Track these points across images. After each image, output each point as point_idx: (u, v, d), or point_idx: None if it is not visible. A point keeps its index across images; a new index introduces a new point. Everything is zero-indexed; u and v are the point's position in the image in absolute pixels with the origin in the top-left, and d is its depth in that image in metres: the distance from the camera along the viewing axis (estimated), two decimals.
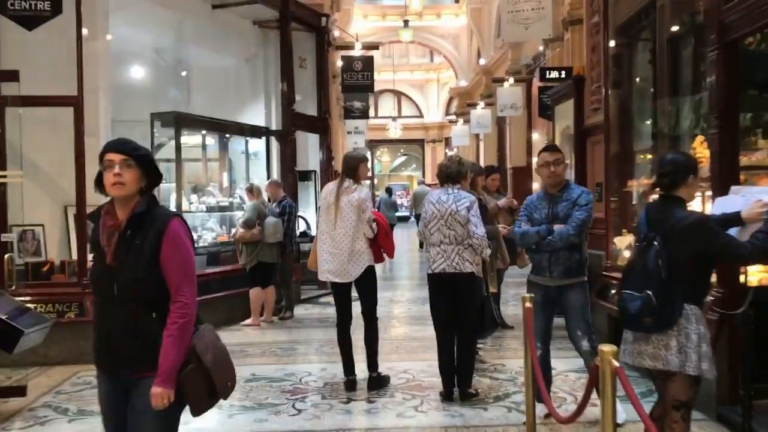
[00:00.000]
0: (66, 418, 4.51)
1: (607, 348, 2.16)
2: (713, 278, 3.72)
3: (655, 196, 5.75)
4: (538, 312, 4.20)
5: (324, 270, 4.98)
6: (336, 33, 12.28)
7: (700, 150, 5.19)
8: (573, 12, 9.06)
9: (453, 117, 24.62)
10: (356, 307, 5.12)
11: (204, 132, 9.08)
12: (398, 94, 31.20)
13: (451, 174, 4.73)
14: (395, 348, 6.42)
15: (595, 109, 7.37)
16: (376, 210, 5.49)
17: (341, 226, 4.88)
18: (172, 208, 8.18)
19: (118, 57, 8.47)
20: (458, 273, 4.57)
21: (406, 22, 20.46)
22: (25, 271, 6.12)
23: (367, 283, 4.99)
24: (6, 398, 4.76)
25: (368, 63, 11.77)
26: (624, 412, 4.00)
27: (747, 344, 3.69)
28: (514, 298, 8.24)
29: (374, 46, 12.50)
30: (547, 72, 10.24)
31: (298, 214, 9.08)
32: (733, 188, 3.53)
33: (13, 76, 5.41)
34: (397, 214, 19.01)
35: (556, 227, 4.07)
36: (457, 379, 4.74)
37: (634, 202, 6.50)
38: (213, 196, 8.89)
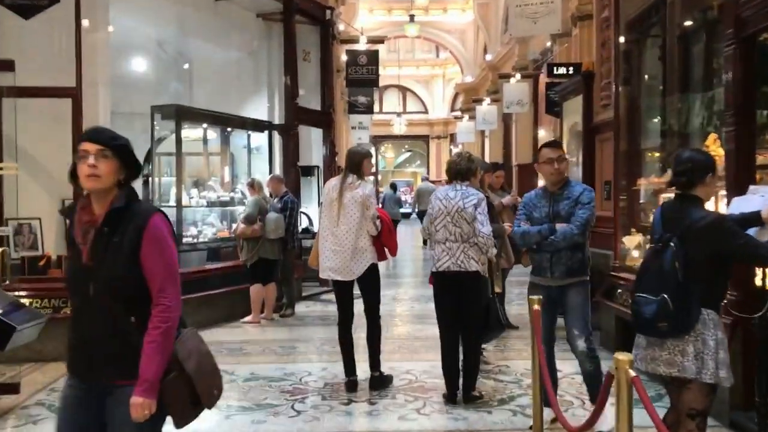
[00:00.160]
0: None
1: (622, 356, 2.03)
2: None
3: (666, 195, 5.67)
4: (541, 314, 4.08)
5: (325, 267, 4.86)
6: (341, 27, 12.15)
7: (713, 148, 5.04)
8: (582, 7, 8.90)
9: (458, 113, 24.46)
10: (358, 305, 5.01)
11: (205, 125, 8.94)
12: (403, 90, 31.04)
13: (460, 170, 4.61)
14: (397, 347, 6.30)
15: (604, 106, 7.22)
16: (380, 207, 5.36)
17: (344, 222, 4.75)
18: (172, 202, 8.08)
19: (119, 49, 8.35)
20: (463, 271, 4.45)
21: (411, 17, 20.31)
22: (21, 266, 6.01)
23: (370, 281, 4.87)
24: None
25: (373, 57, 11.64)
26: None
27: (764, 349, 3.54)
28: (518, 298, 8.11)
29: (379, 40, 12.35)
30: (555, 68, 10.11)
31: (301, 210, 8.96)
32: (752, 188, 3.40)
33: (8, 66, 5.29)
34: (401, 210, 18.87)
35: (559, 226, 3.92)
36: (461, 380, 4.62)
37: (641, 201, 6.35)
38: (214, 190, 8.76)
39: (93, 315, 2.19)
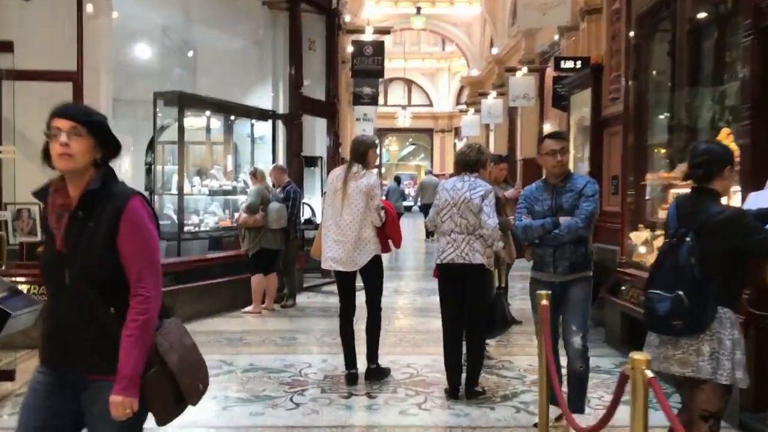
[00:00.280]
0: None
1: (639, 356, 1.92)
2: None
3: (675, 191, 5.56)
4: None
5: (327, 258, 4.76)
6: (347, 17, 12.02)
7: (726, 143, 4.93)
8: (590, 1, 8.77)
9: (463, 106, 24.31)
10: (360, 297, 4.92)
11: (208, 113, 8.84)
12: (408, 83, 30.88)
13: (469, 162, 4.51)
14: (399, 341, 6.21)
15: (613, 99, 7.10)
16: (384, 198, 5.25)
17: (348, 212, 4.66)
18: (173, 191, 7.99)
19: (123, 35, 8.25)
20: (467, 264, 4.35)
21: (418, 9, 20.18)
22: (20, 251, 5.92)
23: (373, 273, 4.79)
24: None
25: (379, 48, 11.53)
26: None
27: None
28: (521, 293, 8.00)
29: (386, 31, 12.23)
30: (562, 61, 9.99)
31: (303, 200, 8.86)
32: None
33: (7, 47, 5.18)
34: (404, 203, 18.79)
35: (563, 220, 3.79)
36: (464, 375, 4.54)
37: (647, 197, 6.25)
38: (216, 179, 8.67)
39: (69, 304, 2.05)
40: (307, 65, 9.31)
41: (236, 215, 7.91)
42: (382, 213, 4.70)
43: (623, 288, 5.86)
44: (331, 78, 10.16)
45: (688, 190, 4.56)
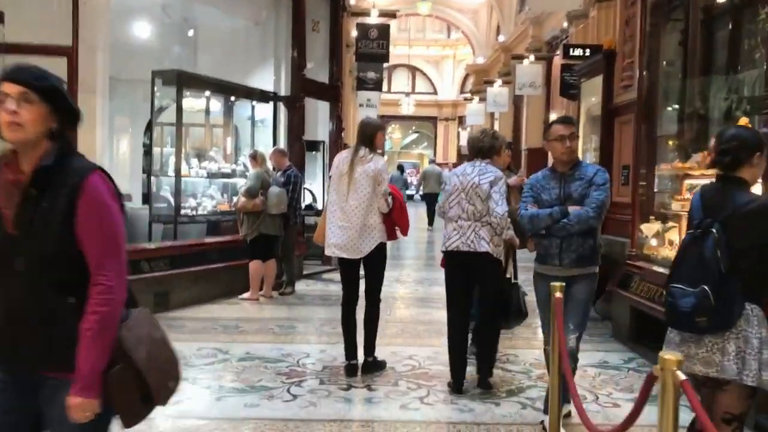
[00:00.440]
0: None
1: (669, 356, 1.73)
2: None
3: (689, 182, 5.38)
4: (546, 309, 3.78)
5: (331, 244, 4.57)
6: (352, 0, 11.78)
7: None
8: None
9: (468, 95, 24.04)
10: (360, 286, 4.74)
11: (208, 94, 8.63)
12: (413, 70, 30.58)
13: (483, 148, 4.33)
14: (400, 331, 6.04)
15: (625, 86, 6.88)
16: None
17: (354, 198, 4.46)
18: (170, 173, 7.80)
19: (121, 11, 8.03)
20: (473, 252, 4.16)
21: None
22: None
23: (377, 262, 4.61)
24: None
25: (384, 31, 11.29)
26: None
27: None
28: (525, 284, 7.80)
29: (391, 14, 12.01)
30: (571, 49, 9.76)
31: (304, 186, 8.67)
32: None
33: None
34: (407, 192, 18.61)
35: (572, 209, 3.58)
36: (477, 364, 4.42)
37: (656, 189, 6.06)
38: (215, 161, 8.48)
39: (20, 293, 1.81)
40: (310, 47, 9.09)
41: (235, 199, 7.72)
42: (390, 199, 4.51)
43: (633, 281, 5.68)
44: (335, 61, 9.94)
45: (705, 181, 4.38)
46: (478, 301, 4.43)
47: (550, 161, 3.91)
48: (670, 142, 6.17)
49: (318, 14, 9.64)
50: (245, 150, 8.86)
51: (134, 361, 1.83)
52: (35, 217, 1.79)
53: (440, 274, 4.66)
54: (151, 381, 1.85)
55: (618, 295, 5.91)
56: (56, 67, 5.59)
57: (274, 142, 8.79)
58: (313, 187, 10.01)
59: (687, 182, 5.44)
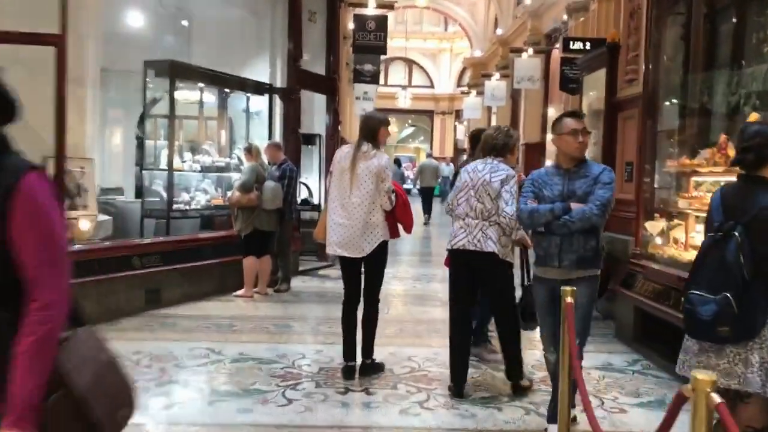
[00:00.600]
0: None
1: (703, 375, 1.58)
2: None
3: (695, 179, 5.23)
4: (545, 314, 3.65)
5: (333, 242, 4.41)
6: None
7: None
8: None
9: (465, 88, 23.85)
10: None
11: (202, 85, 8.43)
12: (409, 63, 30.33)
13: (497, 145, 4.19)
14: (398, 331, 5.88)
15: (629, 80, 6.72)
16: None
17: (356, 195, 4.30)
18: (163, 165, 7.61)
19: (113, 0, 7.82)
20: (478, 251, 4.01)
21: None
22: None
23: (378, 261, 4.44)
24: None
25: (382, 23, 11.08)
26: None
27: None
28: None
29: (389, 5, 11.76)
30: (571, 42, 9.60)
31: (300, 180, 8.49)
32: None
33: None
34: (405, 186, 18.44)
35: (574, 206, 3.41)
36: (506, 368, 4.32)
37: (664, 185, 5.91)
38: (209, 155, 8.29)
39: None
40: (306, 38, 8.91)
41: (229, 193, 7.54)
42: (393, 196, 4.35)
43: (637, 281, 5.55)
44: (332, 53, 9.76)
45: (713, 179, 4.22)
46: (484, 302, 4.29)
47: (548, 157, 3.76)
48: (675, 138, 6.03)
49: (314, 5, 9.47)
50: (240, 143, 8.68)
51: (76, 387, 1.60)
52: None
53: (438, 271, 4.52)
54: (96, 411, 1.62)
55: (621, 294, 5.77)
56: (44, 56, 5.45)
57: (270, 135, 8.60)
58: (309, 181, 9.83)
59: (694, 179, 5.31)
